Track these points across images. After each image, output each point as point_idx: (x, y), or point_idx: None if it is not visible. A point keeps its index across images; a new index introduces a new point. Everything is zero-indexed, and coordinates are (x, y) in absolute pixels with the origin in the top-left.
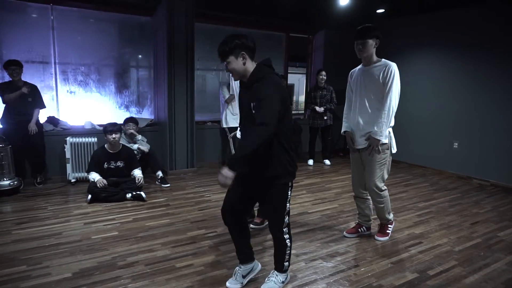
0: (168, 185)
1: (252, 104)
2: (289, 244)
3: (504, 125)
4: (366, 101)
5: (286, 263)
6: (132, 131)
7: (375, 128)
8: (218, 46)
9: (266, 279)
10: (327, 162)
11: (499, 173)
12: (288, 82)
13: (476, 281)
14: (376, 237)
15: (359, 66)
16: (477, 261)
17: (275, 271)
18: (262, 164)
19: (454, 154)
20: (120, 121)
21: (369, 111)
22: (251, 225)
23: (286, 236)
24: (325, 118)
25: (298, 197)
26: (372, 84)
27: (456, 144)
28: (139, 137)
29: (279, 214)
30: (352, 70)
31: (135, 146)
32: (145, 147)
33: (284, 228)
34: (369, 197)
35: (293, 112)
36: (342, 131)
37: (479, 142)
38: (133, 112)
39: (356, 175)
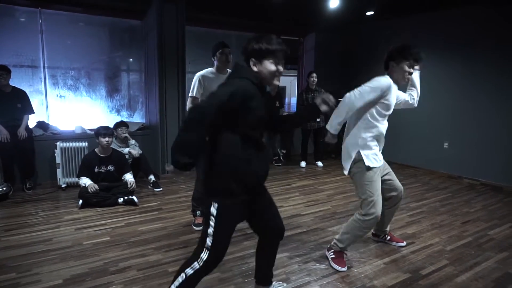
0: (161, 189)
1: None
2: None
3: (493, 125)
4: None
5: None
6: (126, 134)
7: None
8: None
9: None
10: (320, 163)
11: (488, 172)
12: (280, 84)
13: (467, 280)
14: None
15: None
16: (468, 259)
17: (276, 282)
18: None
19: (445, 154)
20: (111, 125)
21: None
22: (196, 228)
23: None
24: (317, 120)
25: (291, 199)
26: None
27: (447, 144)
28: (133, 141)
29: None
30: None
31: (125, 150)
32: (136, 152)
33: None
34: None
35: (284, 114)
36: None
37: (469, 142)
38: (124, 116)
39: None
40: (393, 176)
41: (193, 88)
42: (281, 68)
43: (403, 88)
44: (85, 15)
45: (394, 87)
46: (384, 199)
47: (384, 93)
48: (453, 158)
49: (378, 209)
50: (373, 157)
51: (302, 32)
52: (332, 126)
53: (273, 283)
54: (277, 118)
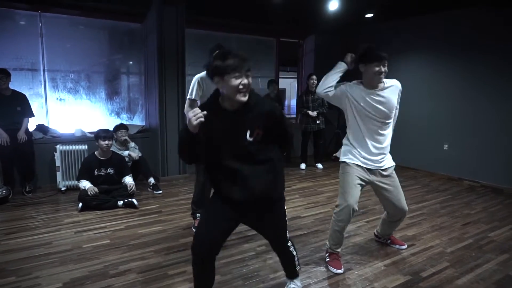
0: (160, 191)
1: None
2: (295, 252)
3: (493, 127)
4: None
5: (297, 268)
6: (126, 137)
7: None
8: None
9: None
10: (320, 166)
11: (489, 174)
12: (280, 86)
13: (468, 282)
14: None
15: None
16: (468, 262)
17: (291, 280)
18: (265, 184)
19: (445, 156)
20: (111, 128)
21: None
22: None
23: (291, 246)
24: (317, 122)
25: (291, 202)
26: None
27: (447, 146)
28: (132, 144)
29: (284, 232)
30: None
31: (125, 153)
32: (136, 154)
33: (288, 242)
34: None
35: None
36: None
37: (469, 143)
38: (124, 119)
39: None
40: (394, 194)
41: (192, 90)
42: (245, 81)
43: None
44: (85, 18)
45: (363, 91)
46: (385, 209)
47: (344, 96)
48: (453, 160)
49: (348, 199)
50: (348, 152)
51: (301, 34)
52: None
53: (294, 280)
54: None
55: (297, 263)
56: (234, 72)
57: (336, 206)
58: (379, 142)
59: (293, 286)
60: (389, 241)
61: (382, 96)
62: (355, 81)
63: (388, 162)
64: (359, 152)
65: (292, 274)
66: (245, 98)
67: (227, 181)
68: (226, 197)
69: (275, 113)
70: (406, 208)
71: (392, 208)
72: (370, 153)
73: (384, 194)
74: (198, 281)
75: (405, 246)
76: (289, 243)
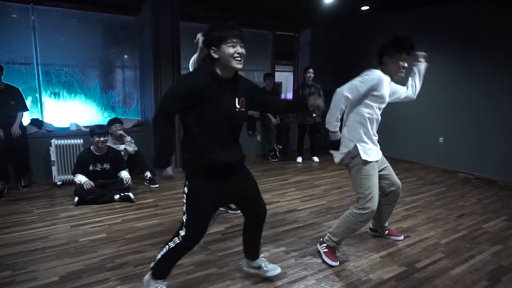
0: (157, 185)
1: None
2: None
3: (488, 120)
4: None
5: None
6: (121, 132)
7: None
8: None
9: (266, 267)
10: (316, 159)
11: (483, 166)
12: (276, 80)
13: (462, 272)
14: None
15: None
16: (463, 252)
17: (259, 258)
18: (240, 147)
19: (440, 148)
20: (106, 122)
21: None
22: (231, 211)
23: None
24: (314, 115)
25: (287, 195)
26: None
27: (442, 139)
28: (128, 138)
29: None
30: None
31: (121, 147)
32: (132, 148)
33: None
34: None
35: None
36: None
37: (463, 136)
38: (119, 113)
39: None
40: (390, 171)
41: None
42: (240, 49)
43: (402, 82)
44: (79, 11)
45: (387, 80)
46: (383, 194)
47: (374, 86)
48: (448, 153)
49: (375, 203)
50: (369, 151)
51: (297, 28)
52: (330, 123)
53: (261, 256)
54: (267, 103)
55: None
56: (231, 40)
57: (361, 208)
58: (376, 129)
59: (266, 261)
60: (386, 232)
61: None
62: (377, 70)
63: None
64: (373, 144)
65: (258, 251)
66: (240, 65)
67: (225, 144)
68: (217, 164)
69: (258, 87)
70: (399, 181)
71: (394, 186)
72: (375, 142)
73: (384, 175)
74: (174, 264)
75: (402, 238)
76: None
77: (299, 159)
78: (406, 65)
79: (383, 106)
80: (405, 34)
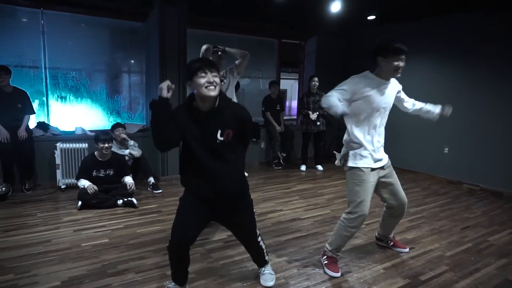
0: (160, 191)
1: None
2: (263, 246)
3: (493, 131)
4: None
5: (266, 258)
6: (124, 136)
7: None
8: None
9: (263, 275)
10: (320, 167)
11: (489, 178)
12: (281, 87)
13: (467, 286)
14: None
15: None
16: (467, 266)
17: (264, 266)
18: (234, 182)
19: (445, 159)
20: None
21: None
22: None
23: (261, 241)
24: (318, 123)
25: (290, 203)
26: None
27: (447, 149)
28: (131, 142)
29: (254, 227)
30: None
31: (126, 152)
32: (137, 152)
33: (258, 237)
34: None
35: (285, 117)
36: None
37: (469, 147)
38: (124, 118)
39: None
40: (396, 186)
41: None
42: (211, 78)
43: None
44: (87, 16)
45: (375, 83)
46: (386, 206)
47: (357, 93)
48: (453, 163)
49: (364, 209)
50: (361, 157)
51: (303, 36)
52: (333, 105)
53: (266, 266)
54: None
55: (265, 253)
56: (200, 72)
57: (349, 213)
58: (380, 135)
59: (268, 271)
60: (391, 243)
61: (389, 88)
62: (367, 72)
63: (385, 155)
64: (367, 150)
65: (263, 263)
66: (214, 93)
67: (199, 179)
68: (199, 195)
69: (247, 118)
70: (406, 198)
71: (396, 200)
72: (376, 149)
73: (388, 188)
74: (174, 269)
75: (407, 250)
76: (259, 238)
77: (303, 167)
78: (402, 64)
79: (377, 108)
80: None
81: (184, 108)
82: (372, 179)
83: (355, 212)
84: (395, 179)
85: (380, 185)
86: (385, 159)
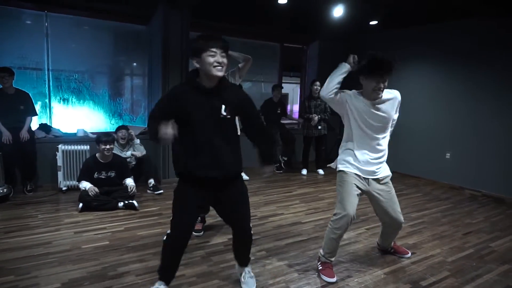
0: (161, 191)
1: None
2: (251, 239)
3: (495, 136)
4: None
5: (250, 254)
6: (127, 137)
7: None
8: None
9: (244, 279)
10: (321, 171)
11: (490, 184)
12: (283, 91)
13: None
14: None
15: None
16: (469, 271)
17: (246, 268)
18: (235, 160)
19: (447, 164)
20: (113, 129)
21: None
22: (194, 233)
23: (252, 233)
24: (319, 127)
25: (291, 207)
26: None
27: (449, 154)
28: (137, 141)
29: (249, 211)
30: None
31: (128, 153)
32: (139, 152)
33: (251, 229)
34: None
35: (286, 121)
36: None
37: (470, 152)
38: (126, 120)
39: None
40: (388, 204)
41: None
42: (220, 59)
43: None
44: (91, 19)
45: (363, 104)
46: (380, 220)
47: (348, 102)
48: (455, 169)
49: (347, 209)
50: (347, 163)
51: (306, 40)
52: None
53: (246, 269)
54: (254, 128)
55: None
56: (210, 50)
57: (334, 214)
58: (376, 152)
59: (248, 275)
60: (392, 250)
61: (380, 109)
62: (354, 90)
63: (384, 171)
64: (356, 160)
65: (246, 260)
66: (220, 73)
67: (203, 159)
68: (199, 177)
69: (246, 97)
70: (402, 219)
71: (388, 218)
72: (367, 163)
73: (379, 203)
74: (169, 262)
75: (409, 255)
76: (252, 231)
77: (304, 171)
78: (382, 85)
79: (367, 132)
80: (383, 53)
81: (189, 85)
82: (355, 181)
83: (339, 213)
84: (389, 198)
85: (373, 199)
86: (381, 173)
